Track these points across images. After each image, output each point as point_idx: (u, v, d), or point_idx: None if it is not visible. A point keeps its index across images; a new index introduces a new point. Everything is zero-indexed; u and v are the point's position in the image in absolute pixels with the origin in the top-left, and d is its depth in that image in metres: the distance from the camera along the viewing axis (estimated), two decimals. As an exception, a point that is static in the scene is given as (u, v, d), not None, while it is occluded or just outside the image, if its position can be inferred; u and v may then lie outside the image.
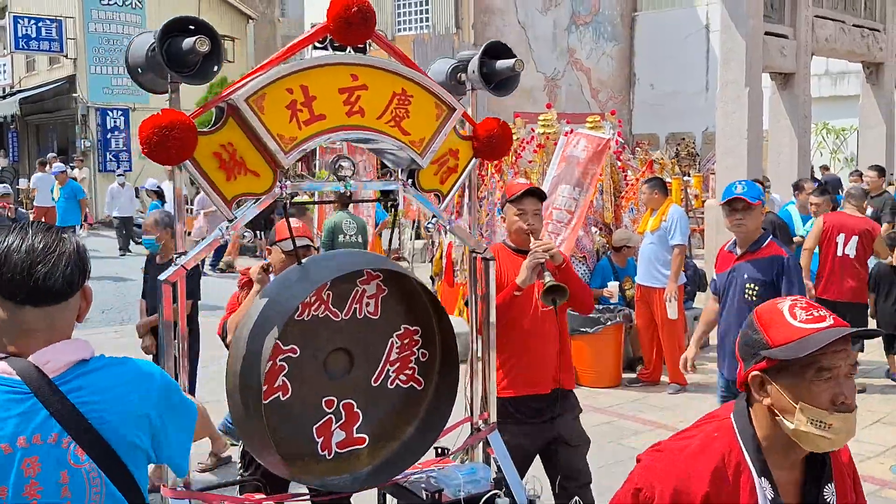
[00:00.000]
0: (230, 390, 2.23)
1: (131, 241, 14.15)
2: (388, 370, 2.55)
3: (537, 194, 3.19)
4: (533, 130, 8.29)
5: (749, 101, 9.23)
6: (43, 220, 9.51)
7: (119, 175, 15.57)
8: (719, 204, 3.94)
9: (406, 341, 2.57)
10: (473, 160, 2.59)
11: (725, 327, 3.97)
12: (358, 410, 2.45)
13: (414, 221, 12.21)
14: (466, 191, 2.57)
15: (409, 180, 2.46)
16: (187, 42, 1.96)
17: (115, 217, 14.47)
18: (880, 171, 9.19)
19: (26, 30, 19.64)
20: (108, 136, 20.18)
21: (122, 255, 13.91)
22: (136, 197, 14.46)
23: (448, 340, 2.54)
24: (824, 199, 7.12)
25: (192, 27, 2.02)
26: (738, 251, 3.92)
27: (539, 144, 8.11)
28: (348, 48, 2.28)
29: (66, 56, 20.18)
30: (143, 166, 19.33)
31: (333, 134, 2.26)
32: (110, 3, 20.03)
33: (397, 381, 2.57)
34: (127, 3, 20.34)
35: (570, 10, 18.91)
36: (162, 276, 2.06)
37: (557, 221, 7.22)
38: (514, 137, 8.87)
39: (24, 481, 1.41)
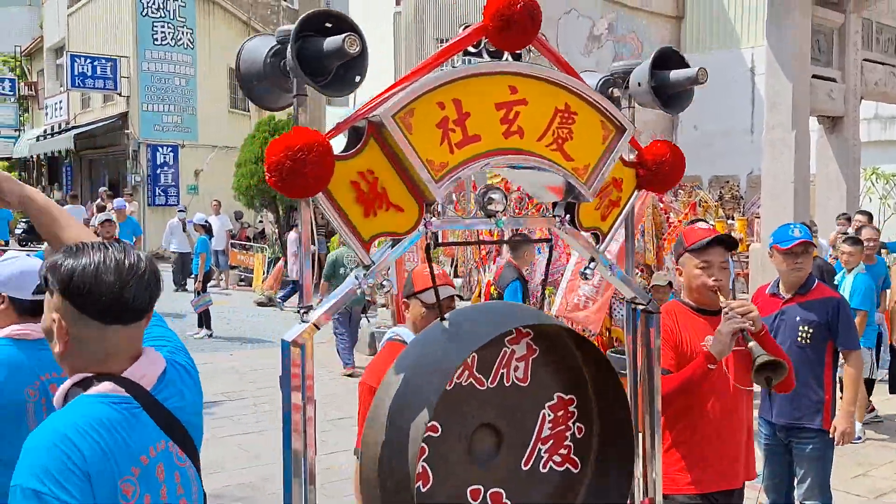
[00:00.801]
0: (367, 481, 1.80)
1: (188, 277, 14.03)
2: (540, 449, 2.08)
3: (725, 243, 2.71)
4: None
5: (796, 144, 9.05)
6: None
7: (180, 210, 15.52)
8: (779, 249, 3.67)
9: (560, 413, 2.10)
10: (636, 192, 2.16)
11: None
12: (507, 501, 1.99)
13: (452, 258, 11.85)
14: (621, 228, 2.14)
15: (567, 216, 2.03)
16: (331, 42, 1.57)
17: (172, 252, 14.39)
18: (869, 215, 8.83)
19: (82, 68, 19.98)
20: (158, 171, 20.30)
21: (176, 291, 13.75)
22: (184, 231, 14.34)
23: (611, 409, 2.09)
24: (857, 248, 6.51)
25: (328, 25, 1.64)
26: (785, 294, 3.73)
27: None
28: (505, 55, 1.88)
29: (119, 94, 20.46)
30: (190, 200, 19.35)
31: (489, 159, 1.85)
32: (163, 43, 20.32)
33: (550, 462, 2.10)
34: (179, 43, 20.62)
35: (613, 52, 18.51)
36: (288, 337, 1.65)
37: (591, 284, 6.91)
38: None
39: (159, 486, 1.52)
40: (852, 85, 10.16)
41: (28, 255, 2.66)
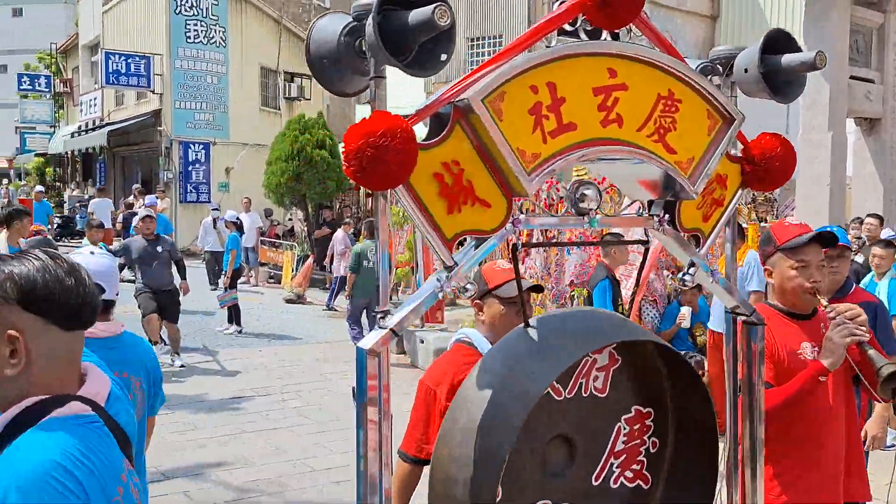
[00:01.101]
0: (439, 497, 1.62)
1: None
2: (612, 464, 1.90)
3: (823, 240, 2.47)
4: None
5: (832, 145, 8.83)
6: (103, 242, 9.41)
7: (214, 209, 15.50)
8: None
9: (636, 427, 1.91)
10: (740, 190, 1.94)
11: None
12: (577, 518, 1.80)
13: None
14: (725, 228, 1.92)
15: (666, 216, 1.81)
16: (419, 15, 1.38)
17: (207, 251, 14.36)
18: (880, 219, 8.46)
19: (117, 66, 20.09)
20: (190, 168, 20.35)
21: (213, 290, 13.73)
22: (214, 228, 14.29)
23: (692, 425, 1.89)
24: (889, 252, 6.18)
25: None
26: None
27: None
28: (604, 34, 1.67)
29: (152, 91, 20.55)
30: (221, 197, 19.36)
31: (585, 150, 1.64)
32: (195, 41, 20.37)
33: (622, 478, 1.92)
34: (211, 41, 20.66)
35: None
36: (365, 345, 1.46)
37: (629, 264, 6.78)
38: (583, 173, 8.49)
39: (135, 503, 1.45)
40: (891, 86, 9.91)
41: (92, 253, 2.55)
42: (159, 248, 8.45)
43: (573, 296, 8.18)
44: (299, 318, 12.04)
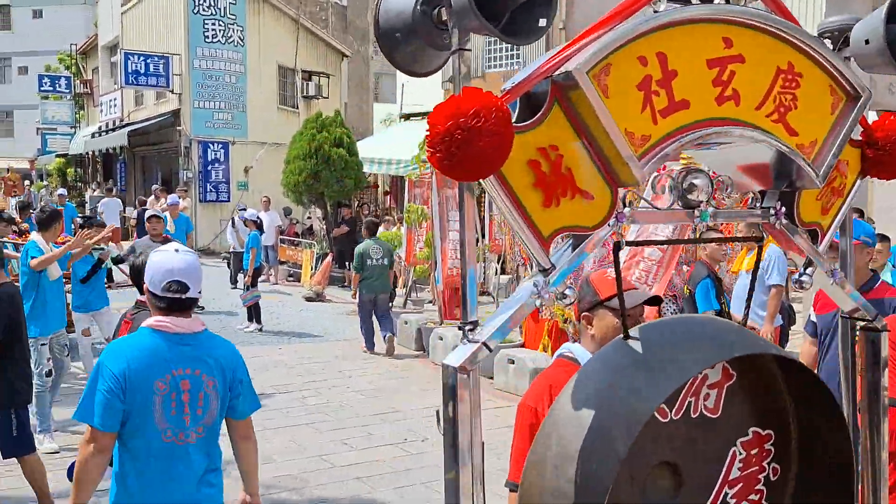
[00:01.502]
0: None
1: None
2: (727, 494, 1.67)
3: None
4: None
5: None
6: (111, 242, 9.32)
7: (241, 209, 15.34)
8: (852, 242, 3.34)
9: (754, 452, 1.68)
10: (859, 180, 1.70)
11: (828, 373, 3.48)
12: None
13: (499, 255, 11.42)
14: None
15: (783, 208, 1.58)
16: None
17: (232, 252, 14.21)
18: (860, 212, 8.02)
19: (136, 66, 20.04)
20: (209, 167, 20.27)
21: (233, 288, 13.61)
22: (233, 227, 14.14)
23: (821, 449, 1.65)
24: (885, 245, 5.86)
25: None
26: None
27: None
28: (718, -3, 1.45)
29: (171, 91, 20.49)
30: (240, 196, 19.27)
31: (699, 131, 1.41)
32: (214, 40, 20.27)
33: None
34: (230, 41, 20.56)
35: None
36: (454, 361, 1.24)
37: (649, 258, 6.49)
38: None
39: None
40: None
41: (177, 251, 2.44)
42: None
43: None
44: (319, 315, 11.96)
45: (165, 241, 8.42)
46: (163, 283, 2.40)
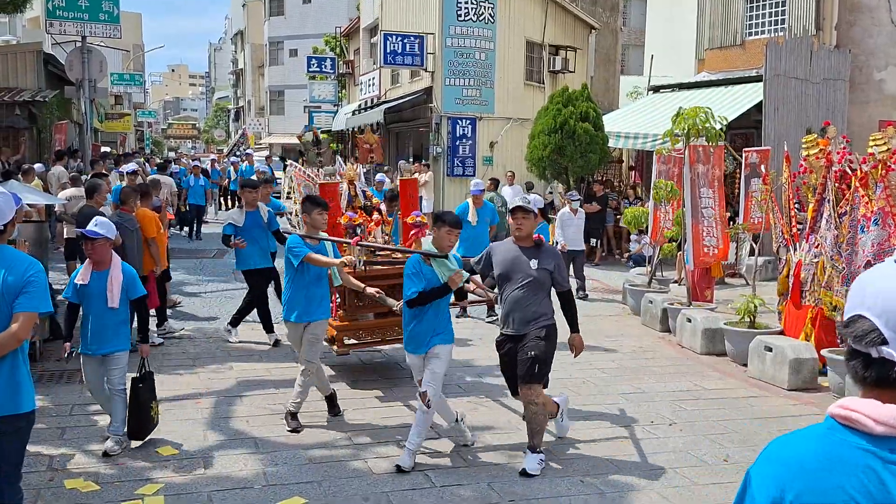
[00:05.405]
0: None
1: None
2: None
3: None
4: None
5: None
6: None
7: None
8: None
9: None
10: None
11: None
12: None
13: (755, 235, 10.57)
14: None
15: None
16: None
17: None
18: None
19: (393, 46, 21.44)
20: (457, 143, 21.22)
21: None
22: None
23: None
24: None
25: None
26: None
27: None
28: None
29: (425, 70, 21.66)
30: (485, 171, 19.94)
31: None
32: (466, 18, 20.99)
33: None
34: (481, 18, 21.15)
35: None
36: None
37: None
38: (884, 147, 7.34)
39: None
40: None
41: None
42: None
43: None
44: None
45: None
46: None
